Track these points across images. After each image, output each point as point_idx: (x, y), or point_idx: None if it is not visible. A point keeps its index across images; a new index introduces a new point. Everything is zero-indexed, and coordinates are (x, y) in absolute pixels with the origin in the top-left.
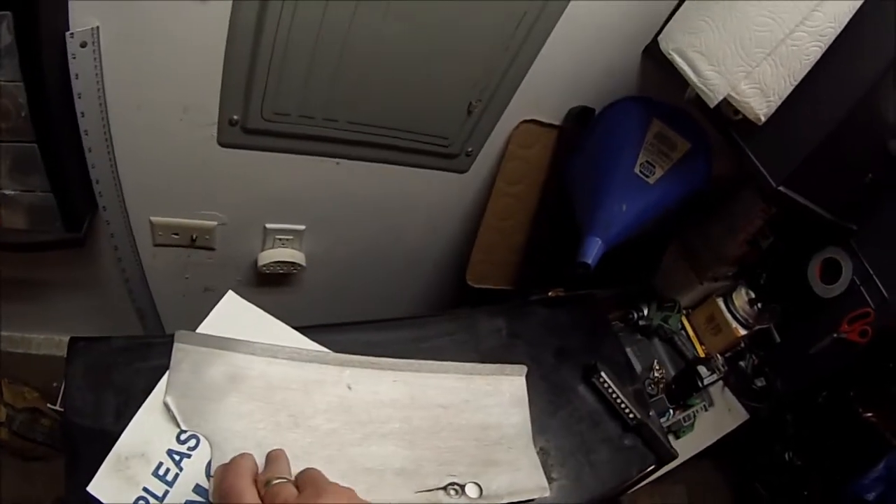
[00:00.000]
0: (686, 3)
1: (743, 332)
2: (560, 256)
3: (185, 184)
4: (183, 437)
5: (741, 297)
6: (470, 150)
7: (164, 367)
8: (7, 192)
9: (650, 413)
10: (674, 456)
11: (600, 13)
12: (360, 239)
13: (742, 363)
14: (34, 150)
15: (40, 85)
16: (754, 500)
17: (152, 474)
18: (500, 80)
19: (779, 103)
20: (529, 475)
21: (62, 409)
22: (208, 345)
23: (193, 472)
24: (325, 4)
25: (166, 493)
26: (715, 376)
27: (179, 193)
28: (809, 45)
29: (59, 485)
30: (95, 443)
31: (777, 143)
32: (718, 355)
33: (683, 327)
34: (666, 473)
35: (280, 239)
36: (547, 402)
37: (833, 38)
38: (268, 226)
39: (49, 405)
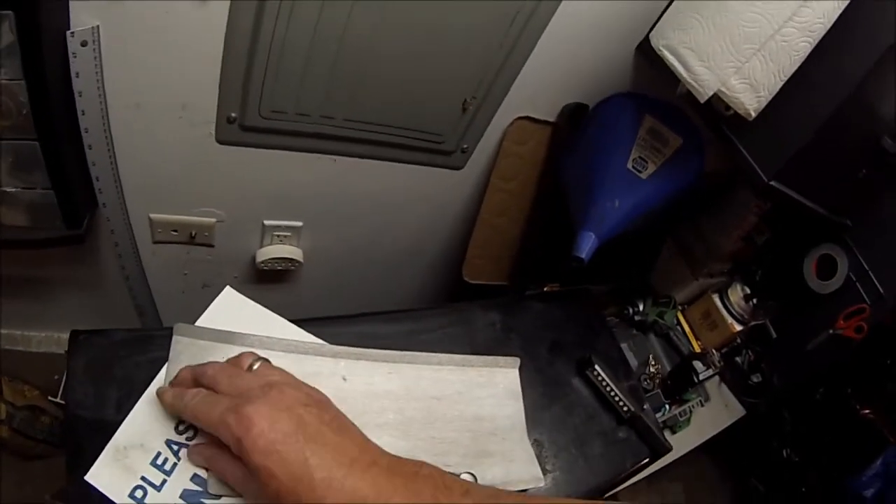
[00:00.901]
0: (676, 0)
1: (738, 327)
2: (555, 251)
3: (184, 181)
4: (181, 427)
5: (736, 293)
6: (465, 146)
7: (164, 360)
8: (8, 189)
9: (644, 406)
10: (668, 449)
11: (593, 11)
12: (357, 235)
13: (738, 359)
14: (35, 147)
15: (41, 83)
16: (752, 496)
17: (150, 464)
18: (494, 77)
19: (769, 98)
20: (524, 466)
21: (64, 402)
22: (206, 337)
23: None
24: (321, 4)
25: (164, 482)
26: (710, 371)
27: (178, 191)
28: (799, 41)
29: (59, 483)
30: (97, 435)
31: (768, 138)
32: (714, 351)
33: (679, 323)
34: (663, 469)
35: (278, 235)
36: (541, 395)
37: (822, 33)
38: (266, 222)
39: (50, 398)
